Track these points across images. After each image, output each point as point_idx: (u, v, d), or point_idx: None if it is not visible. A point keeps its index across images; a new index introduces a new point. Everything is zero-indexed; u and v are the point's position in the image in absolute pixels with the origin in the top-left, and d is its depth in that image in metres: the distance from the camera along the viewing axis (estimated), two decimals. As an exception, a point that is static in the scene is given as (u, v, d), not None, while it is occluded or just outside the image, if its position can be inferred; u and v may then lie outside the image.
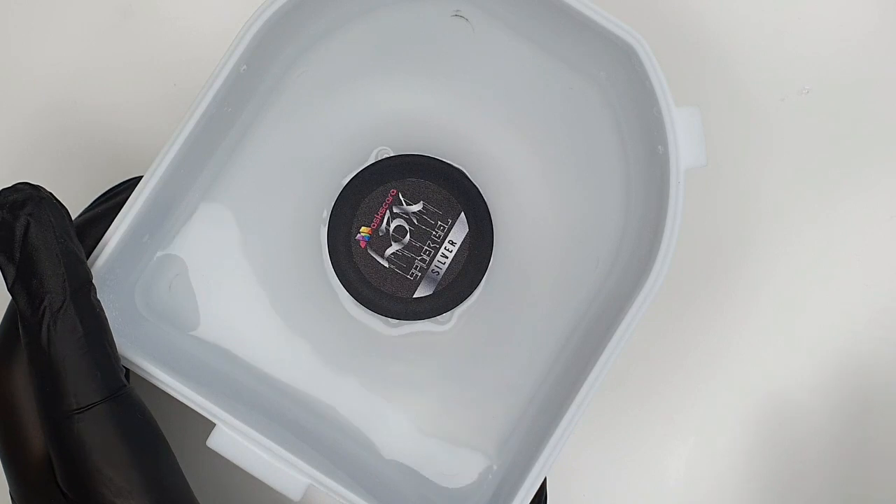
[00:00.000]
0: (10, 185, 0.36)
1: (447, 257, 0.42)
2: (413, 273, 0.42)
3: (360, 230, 0.42)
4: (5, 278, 0.35)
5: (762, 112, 0.49)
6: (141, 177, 0.39)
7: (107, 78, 0.47)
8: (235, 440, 0.38)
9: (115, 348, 0.36)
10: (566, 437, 0.38)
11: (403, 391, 0.43)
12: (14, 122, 0.47)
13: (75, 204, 0.45)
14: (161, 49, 0.48)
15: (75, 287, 0.35)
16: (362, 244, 0.42)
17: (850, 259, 0.49)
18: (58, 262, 0.35)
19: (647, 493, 0.48)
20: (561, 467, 0.47)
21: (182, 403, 0.38)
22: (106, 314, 0.36)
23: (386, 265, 0.42)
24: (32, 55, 0.48)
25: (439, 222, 0.42)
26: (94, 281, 0.36)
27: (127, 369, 0.37)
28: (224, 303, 0.42)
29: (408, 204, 0.42)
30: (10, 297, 0.38)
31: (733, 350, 0.48)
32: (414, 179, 0.42)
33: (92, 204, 0.42)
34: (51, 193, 0.36)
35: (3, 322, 0.38)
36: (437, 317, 0.42)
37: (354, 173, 0.42)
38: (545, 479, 0.39)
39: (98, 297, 0.36)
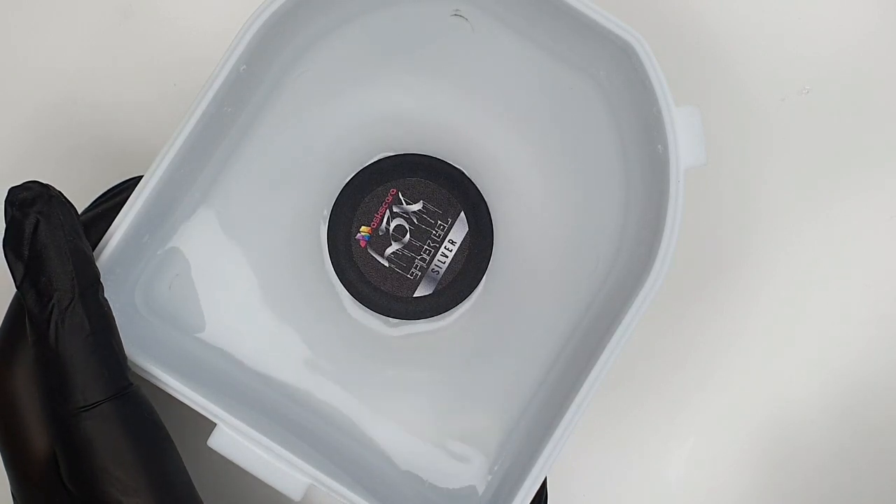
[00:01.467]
0: (19, 184, 0.36)
1: (447, 257, 0.42)
2: (413, 272, 0.42)
3: (360, 230, 0.42)
4: (14, 276, 0.35)
5: (762, 112, 0.49)
6: (141, 177, 0.39)
7: (107, 78, 0.47)
8: (236, 440, 0.38)
9: (122, 347, 0.36)
10: (566, 436, 0.38)
11: (403, 390, 0.43)
12: (14, 122, 0.47)
13: (75, 203, 0.45)
14: (161, 49, 0.48)
15: (84, 285, 0.35)
16: (362, 244, 0.42)
17: (850, 259, 0.49)
18: (66, 260, 0.35)
19: (647, 493, 0.48)
20: (561, 467, 0.47)
21: (183, 403, 0.38)
22: (113, 315, 0.36)
23: (386, 265, 0.42)
24: (33, 55, 0.48)
25: (439, 221, 0.42)
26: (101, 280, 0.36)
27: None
28: (224, 302, 0.42)
29: (407, 203, 0.42)
30: (11, 298, 0.38)
31: (733, 350, 0.48)
32: (414, 179, 0.42)
33: (92, 204, 0.42)
34: (60, 192, 0.36)
35: (4, 322, 0.38)
36: (437, 316, 0.42)
37: (354, 173, 0.42)
38: (545, 479, 0.39)
39: (104, 296, 0.36)
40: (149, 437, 0.36)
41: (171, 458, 0.37)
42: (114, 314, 0.36)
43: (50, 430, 0.35)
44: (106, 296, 0.36)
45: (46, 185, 0.36)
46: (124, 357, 0.36)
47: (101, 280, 0.36)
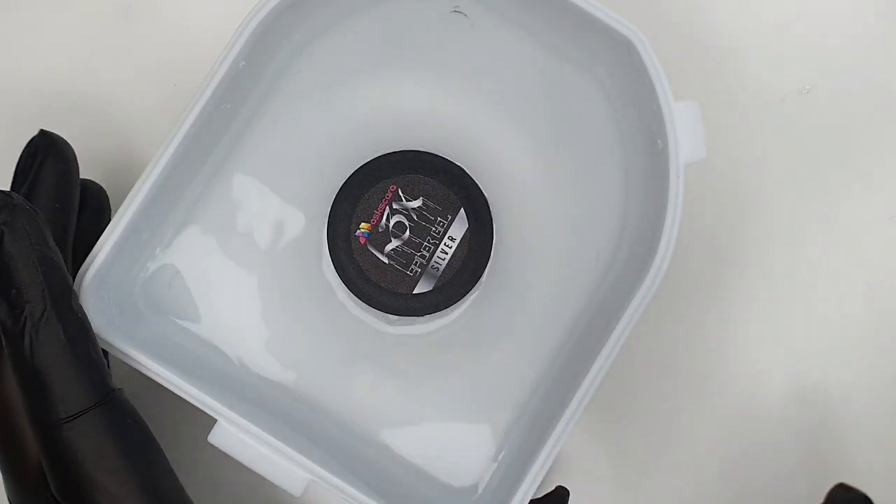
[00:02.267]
0: None
1: (447, 253, 0.42)
2: (413, 269, 0.42)
3: (360, 226, 0.42)
4: None
5: (762, 111, 0.49)
6: (43, 131, 0.39)
7: (107, 78, 0.47)
8: (236, 436, 0.38)
9: (101, 353, 0.36)
10: (567, 432, 0.38)
11: (403, 387, 0.43)
12: (13, 122, 0.47)
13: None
14: (161, 49, 0.48)
15: (55, 295, 0.35)
16: (362, 240, 0.42)
17: (850, 259, 0.48)
18: (35, 270, 0.34)
19: (647, 492, 0.48)
20: (560, 466, 0.47)
21: (183, 400, 0.38)
22: (89, 319, 0.36)
23: (386, 261, 0.42)
24: (32, 55, 0.48)
25: (439, 218, 0.42)
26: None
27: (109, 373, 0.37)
28: (224, 299, 0.43)
29: (407, 200, 0.42)
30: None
31: (734, 347, 0.48)
32: (413, 175, 0.42)
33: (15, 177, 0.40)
34: (23, 199, 0.35)
35: None
36: (437, 313, 0.42)
37: (354, 169, 0.42)
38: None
39: (80, 302, 0.36)
40: (134, 444, 0.35)
41: (158, 462, 0.36)
42: (113, 312, 0.36)
43: (36, 442, 0.35)
44: (105, 294, 0.36)
45: (8, 194, 0.35)
46: (104, 363, 0.36)
47: (98, 279, 0.36)
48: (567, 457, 0.47)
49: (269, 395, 0.42)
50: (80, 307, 0.36)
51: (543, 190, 0.43)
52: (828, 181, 0.49)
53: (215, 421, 0.38)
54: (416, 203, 0.42)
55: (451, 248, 0.42)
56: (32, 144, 0.39)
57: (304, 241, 0.43)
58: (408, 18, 0.43)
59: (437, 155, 0.43)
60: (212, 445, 0.38)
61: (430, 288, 0.42)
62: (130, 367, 0.38)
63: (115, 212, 0.39)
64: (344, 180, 0.42)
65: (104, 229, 0.39)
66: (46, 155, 0.38)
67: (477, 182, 0.43)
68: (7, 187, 0.39)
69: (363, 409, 0.43)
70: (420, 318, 0.43)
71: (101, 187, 0.42)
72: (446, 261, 0.42)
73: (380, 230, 0.42)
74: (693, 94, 0.43)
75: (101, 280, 0.38)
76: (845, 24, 0.49)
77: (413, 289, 0.42)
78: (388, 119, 0.43)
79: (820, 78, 0.49)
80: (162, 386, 0.38)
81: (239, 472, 0.43)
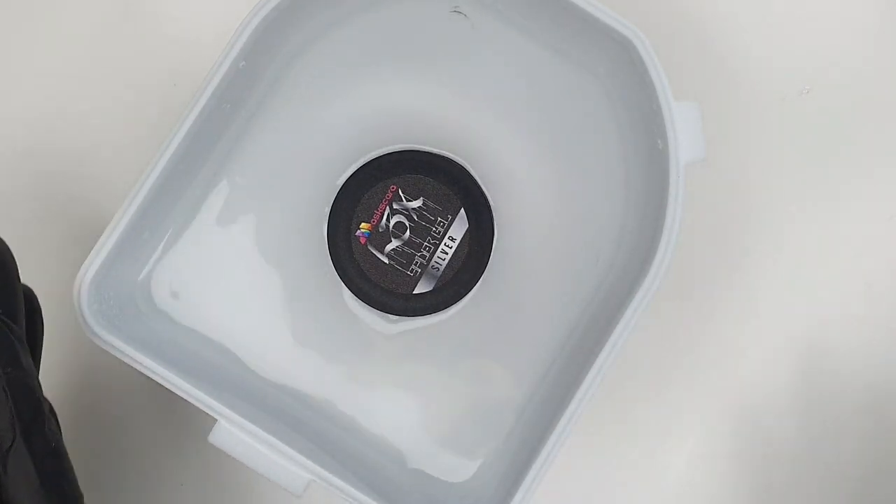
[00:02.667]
0: None
1: (447, 253, 0.42)
2: (413, 269, 0.42)
3: (361, 226, 0.42)
4: None
5: (762, 111, 0.49)
6: None
7: (106, 78, 0.47)
8: (237, 436, 0.38)
9: (75, 482, 0.33)
10: (567, 432, 0.38)
11: (403, 386, 0.43)
12: (10, 122, 0.47)
13: (74, 209, 0.45)
14: (161, 49, 0.48)
15: (26, 421, 0.32)
16: (362, 240, 0.42)
17: (850, 259, 0.48)
18: (4, 396, 0.31)
19: (646, 493, 0.48)
20: (559, 467, 0.47)
21: (183, 399, 0.38)
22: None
23: (386, 261, 0.42)
24: (30, 56, 0.48)
25: (439, 218, 0.42)
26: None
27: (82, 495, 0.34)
28: (224, 299, 0.43)
29: (407, 200, 0.42)
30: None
31: (733, 348, 0.48)
32: (413, 175, 0.42)
33: None
34: None
35: None
36: (438, 313, 0.42)
37: (354, 169, 0.42)
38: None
39: (52, 427, 0.33)
40: None
41: None
42: (113, 312, 0.36)
43: None
44: (106, 293, 0.36)
45: None
46: (77, 492, 0.33)
47: (99, 278, 0.35)
48: (567, 459, 0.47)
49: (269, 395, 0.42)
50: (54, 432, 0.33)
51: (544, 190, 0.43)
52: (827, 181, 0.49)
53: (215, 421, 0.38)
54: (417, 203, 0.42)
55: (451, 248, 0.42)
56: None
57: (303, 241, 0.43)
58: (408, 19, 0.42)
59: (437, 154, 0.43)
60: (212, 445, 0.38)
61: (430, 288, 0.42)
62: (131, 367, 0.38)
63: (115, 212, 0.39)
64: (344, 180, 0.42)
65: (40, 332, 0.36)
66: None
67: (477, 182, 0.43)
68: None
69: (363, 409, 0.43)
70: (420, 318, 0.43)
71: (29, 289, 0.36)
72: (446, 261, 0.42)
73: (380, 230, 0.42)
74: (693, 94, 0.43)
75: (101, 280, 0.38)
76: (845, 24, 0.49)
77: (413, 289, 0.42)
78: (388, 119, 0.43)
79: (820, 78, 0.49)
80: (162, 386, 0.38)
81: (239, 472, 0.43)
